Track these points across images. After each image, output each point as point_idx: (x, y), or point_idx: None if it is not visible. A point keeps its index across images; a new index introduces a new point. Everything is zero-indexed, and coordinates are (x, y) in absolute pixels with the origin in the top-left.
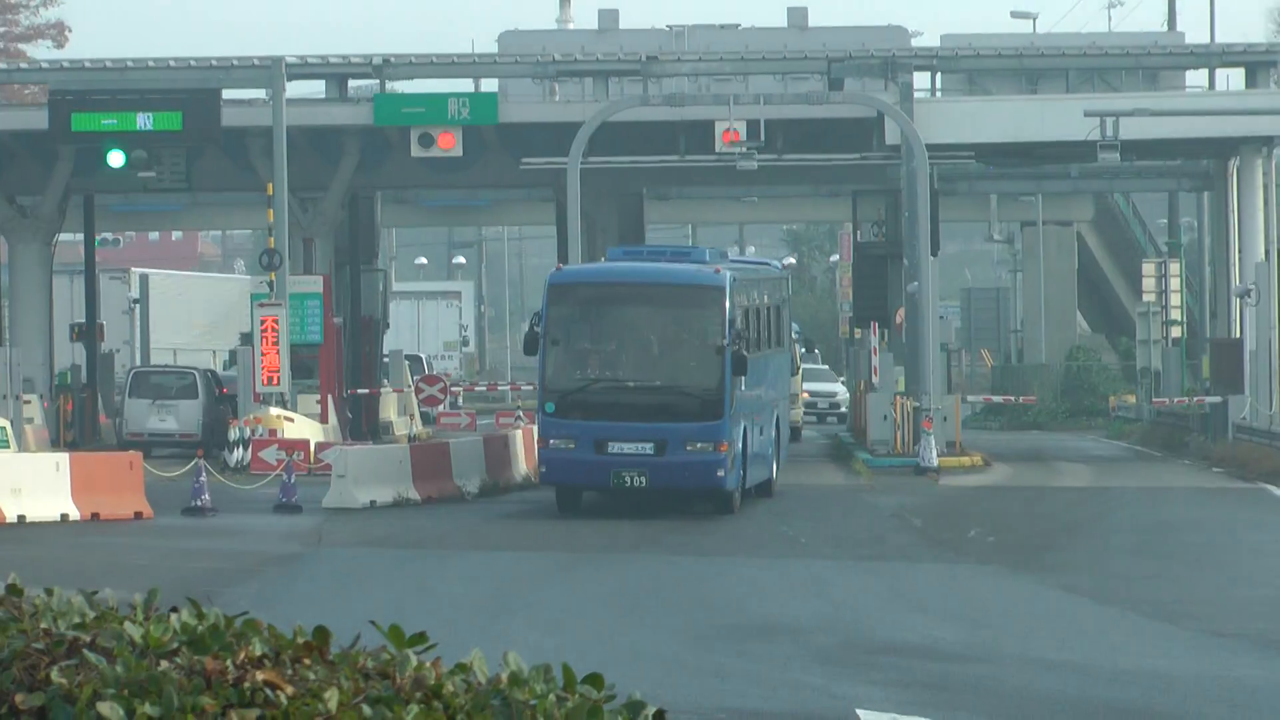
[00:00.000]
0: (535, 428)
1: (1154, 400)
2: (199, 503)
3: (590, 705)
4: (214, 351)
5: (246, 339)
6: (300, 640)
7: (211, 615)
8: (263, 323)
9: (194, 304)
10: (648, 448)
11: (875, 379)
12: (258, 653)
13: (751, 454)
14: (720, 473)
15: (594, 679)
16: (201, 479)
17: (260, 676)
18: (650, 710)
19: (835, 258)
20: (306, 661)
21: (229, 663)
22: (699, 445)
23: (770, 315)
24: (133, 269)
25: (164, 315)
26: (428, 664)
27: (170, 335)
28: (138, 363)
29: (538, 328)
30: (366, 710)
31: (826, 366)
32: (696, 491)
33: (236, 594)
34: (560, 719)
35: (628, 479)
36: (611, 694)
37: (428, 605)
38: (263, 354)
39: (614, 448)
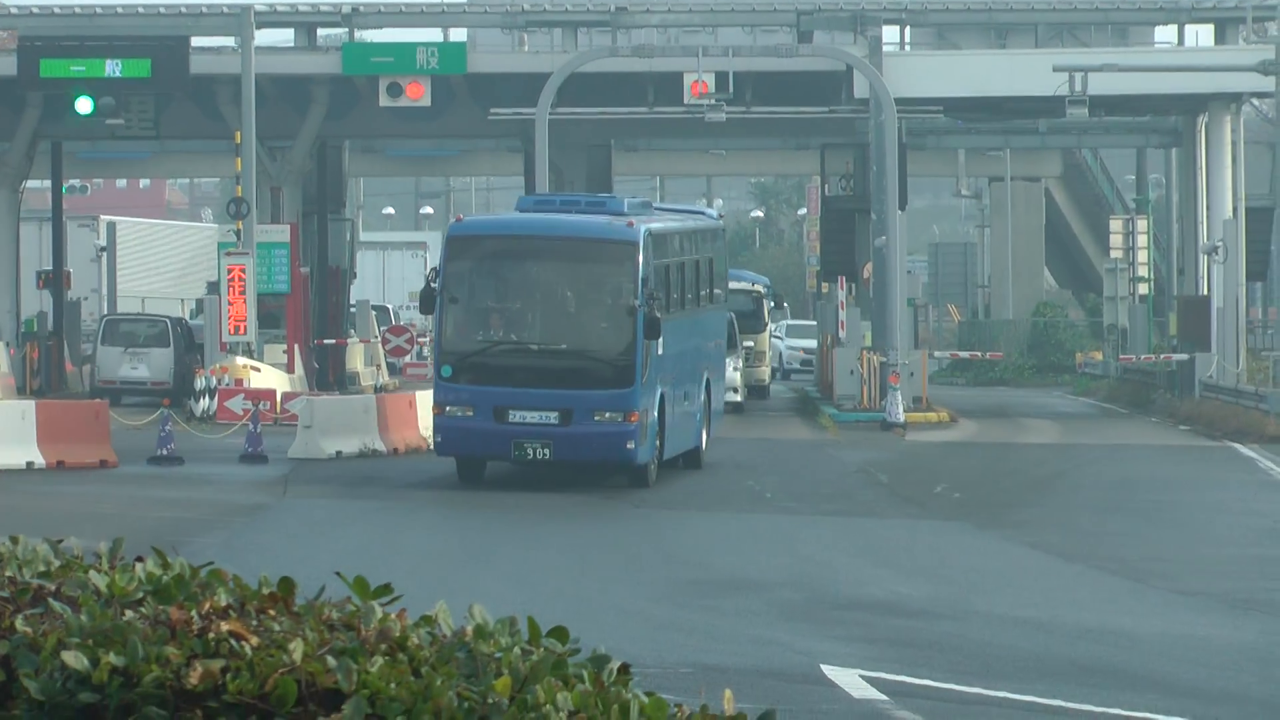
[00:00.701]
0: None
1: (1121, 357)
2: (165, 452)
3: (555, 659)
4: (182, 300)
5: (213, 288)
6: (265, 591)
7: (177, 565)
8: (230, 272)
9: (162, 252)
10: (552, 417)
11: (842, 333)
12: (223, 603)
13: (671, 423)
14: (630, 445)
15: (559, 632)
16: (168, 428)
17: (225, 627)
18: (615, 664)
19: (803, 211)
20: (271, 612)
21: (194, 613)
22: (607, 415)
23: (699, 270)
24: (101, 216)
25: (132, 263)
26: (392, 616)
27: (138, 283)
28: (104, 311)
29: (435, 284)
30: (331, 662)
31: (815, 323)
32: (605, 464)
33: (202, 544)
34: (525, 672)
35: (530, 450)
36: (576, 648)
37: (393, 557)
38: (230, 303)
39: (515, 416)
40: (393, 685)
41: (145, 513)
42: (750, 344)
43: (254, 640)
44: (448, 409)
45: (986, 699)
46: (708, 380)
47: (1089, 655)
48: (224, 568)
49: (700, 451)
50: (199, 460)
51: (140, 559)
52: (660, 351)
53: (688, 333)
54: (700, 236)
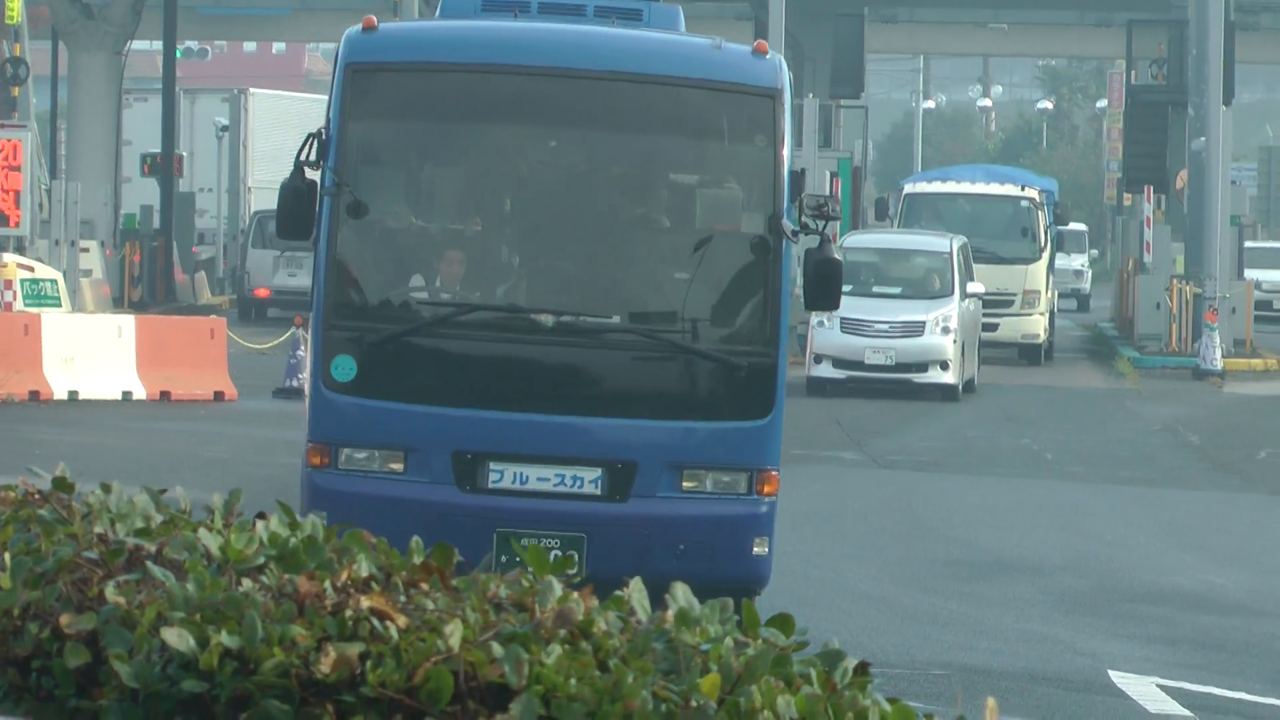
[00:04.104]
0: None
1: None
2: (295, 382)
3: (776, 654)
4: None
5: None
6: (417, 560)
7: (307, 525)
8: None
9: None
10: (586, 479)
11: (1147, 257)
12: (364, 573)
13: None
14: (759, 546)
15: (781, 621)
16: (299, 353)
17: (366, 603)
18: (850, 662)
19: (1102, 104)
20: (424, 586)
21: (327, 584)
22: (710, 479)
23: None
24: (251, 90)
25: (268, 147)
26: (575, 595)
27: (275, 172)
28: (223, 205)
29: (311, 171)
30: (497, 650)
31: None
32: (702, 585)
33: None
34: (738, 668)
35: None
36: (803, 640)
37: None
38: None
39: (503, 475)
40: (573, 681)
41: (269, 458)
42: (995, 287)
43: (401, 621)
44: (344, 455)
45: None
46: None
47: None
48: (366, 529)
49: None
50: None
51: (262, 515)
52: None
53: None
54: None
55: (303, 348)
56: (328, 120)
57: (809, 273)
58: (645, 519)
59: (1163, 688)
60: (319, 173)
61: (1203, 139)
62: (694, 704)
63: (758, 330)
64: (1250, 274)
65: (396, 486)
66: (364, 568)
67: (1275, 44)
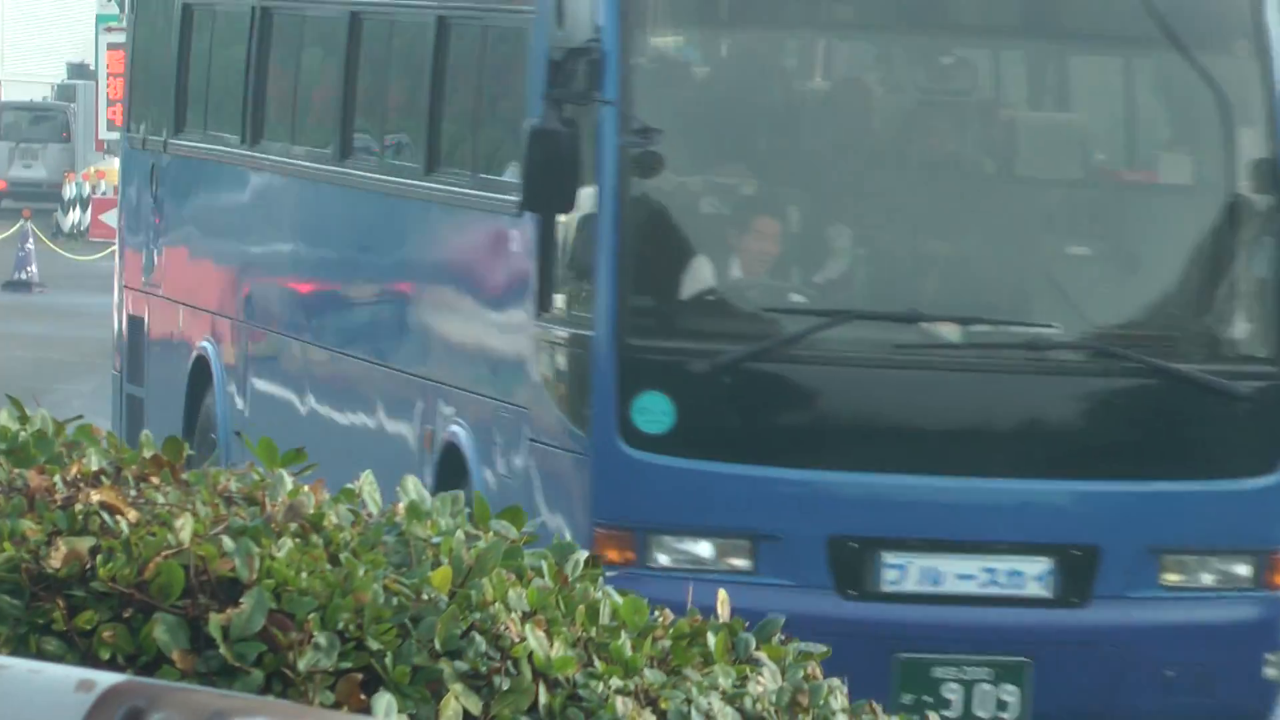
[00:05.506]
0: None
1: None
2: (23, 275)
3: (508, 546)
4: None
5: (79, 70)
6: (147, 454)
7: (37, 419)
8: (110, 50)
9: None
10: (1029, 575)
11: None
12: (94, 467)
13: None
14: (1272, 665)
15: (513, 513)
16: (28, 246)
17: (96, 497)
18: (581, 555)
19: None
20: (154, 480)
21: (57, 479)
22: (1209, 566)
23: None
24: None
25: (19, 38)
26: (306, 489)
27: (25, 66)
28: None
29: (570, 109)
30: (227, 543)
31: None
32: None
33: (69, 392)
34: (469, 562)
35: (951, 694)
36: (534, 533)
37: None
38: (109, 89)
39: (903, 573)
40: (303, 574)
41: None
42: None
43: (132, 515)
44: (657, 546)
45: None
46: None
47: None
48: (96, 423)
49: None
50: (67, 288)
51: None
52: None
53: None
54: None
55: (31, 240)
56: (593, 34)
57: None
58: (1117, 632)
59: None
60: (585, 111)
61: None
62: (425, 597)
63: (1257, 338)
64: None
65: (743, 594)
66: (94, 461)
67: None
